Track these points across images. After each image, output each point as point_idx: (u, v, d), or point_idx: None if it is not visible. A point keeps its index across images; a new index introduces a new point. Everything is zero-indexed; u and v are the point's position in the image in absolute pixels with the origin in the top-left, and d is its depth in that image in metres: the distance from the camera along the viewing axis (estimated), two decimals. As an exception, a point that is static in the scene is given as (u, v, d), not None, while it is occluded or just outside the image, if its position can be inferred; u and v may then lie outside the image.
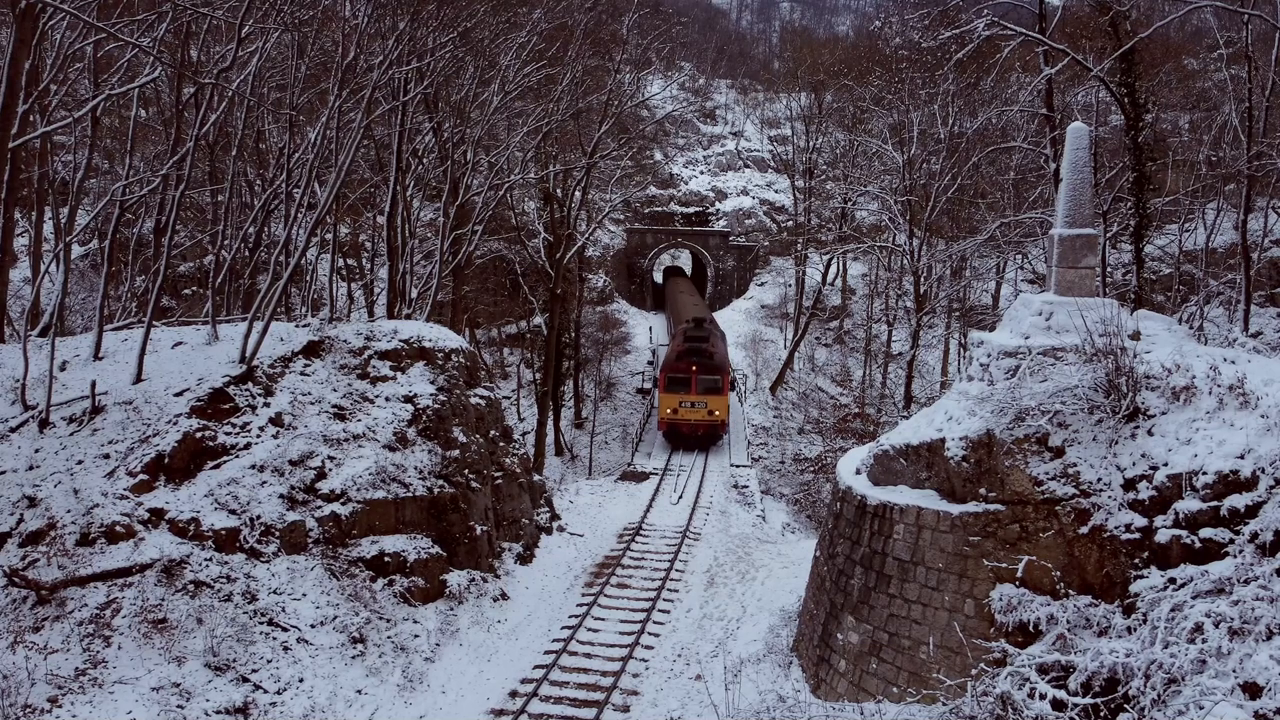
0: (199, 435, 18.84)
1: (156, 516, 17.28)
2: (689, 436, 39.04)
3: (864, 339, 57.04)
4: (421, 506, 21.22)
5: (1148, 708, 10.11)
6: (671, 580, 24.18)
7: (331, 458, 20.27)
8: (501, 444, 26.49)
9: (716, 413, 38.32)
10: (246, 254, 28.23)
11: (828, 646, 16.89)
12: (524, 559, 25.08)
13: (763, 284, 74.81)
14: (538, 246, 45.57)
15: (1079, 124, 17.36)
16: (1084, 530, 13.30)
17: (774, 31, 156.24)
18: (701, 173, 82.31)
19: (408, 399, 22.80)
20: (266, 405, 20.42)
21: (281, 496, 18.95)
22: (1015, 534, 13.94)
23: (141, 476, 17.67)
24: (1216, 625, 10.34)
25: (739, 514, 32.03)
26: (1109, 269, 31.57)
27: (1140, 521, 12.87)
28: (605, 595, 23.10)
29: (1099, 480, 13.43)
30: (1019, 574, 13.63)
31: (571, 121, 42.50)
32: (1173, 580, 11.96)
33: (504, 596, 22.56)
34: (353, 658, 17.55)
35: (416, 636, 19.09)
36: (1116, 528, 13.02)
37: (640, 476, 35.96)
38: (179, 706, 14.72)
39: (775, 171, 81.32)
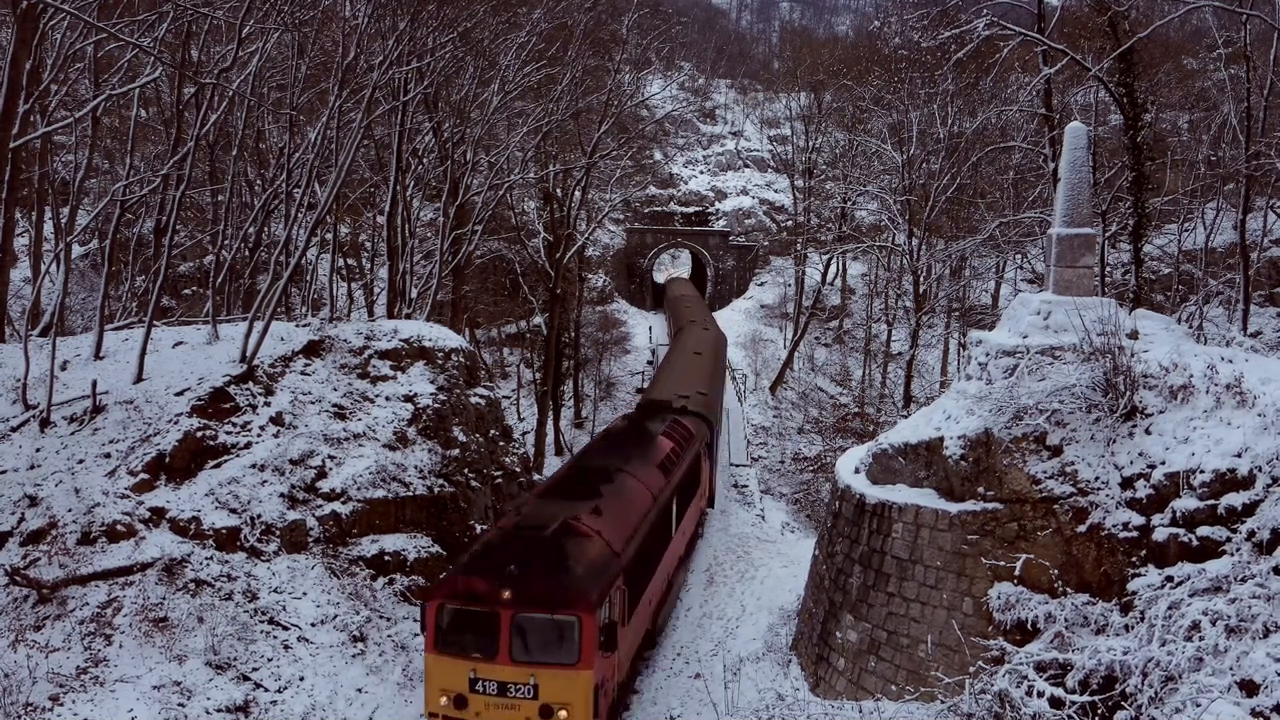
0: (199, 434, 18.88)
1: (157, 515, 17.33)
2: None
3: (863, 339, 57.03)
4: (421, 505, 21.26)
5: (1145, 705, 10.14)
6: (671, 579, 24.14)
7: (332, 457, 20.31)
8: (501, 443, 26.54)
9: (564, 712, 13.83)
10: (246, 254, 28.26)
11: (826, 645, 16.92)
12: (524, 558, 25.08)
13: (762, 284, 74.85)
14: (537, 246, 45.57)
15: (1077, 123, 17.37)
16: (1082, 529, 13.33)
17: (774, 31, 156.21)
18: (701, 172, 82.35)
19: (408, 398, 22.84)
20: (267, 404, 20.45)
21: (282, 496, 18.99)
22: (1013, 532, 13.97)
23: (142, 476, 17.71)
24: (1214, 623, 10.36)
25: (738, 513, 32.09)
26: (1108, 268, 31.56)
27: (1138, 520, 12.90)
28: (605, 594, 23.00)
29: (1097, 479, 13.46)
30: (1017, 572, 13.66)
31: (571, 121, 42.47)
32: (1170, 578, 11.99)
33: (504, 595, 22.56)
34: (353, 656, 17.58)
35: (417, 635, 19.11)
36: (1114, 526, 13.05)
37: None
38: (180, 705, 14.75)
39: (775, 171, 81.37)
